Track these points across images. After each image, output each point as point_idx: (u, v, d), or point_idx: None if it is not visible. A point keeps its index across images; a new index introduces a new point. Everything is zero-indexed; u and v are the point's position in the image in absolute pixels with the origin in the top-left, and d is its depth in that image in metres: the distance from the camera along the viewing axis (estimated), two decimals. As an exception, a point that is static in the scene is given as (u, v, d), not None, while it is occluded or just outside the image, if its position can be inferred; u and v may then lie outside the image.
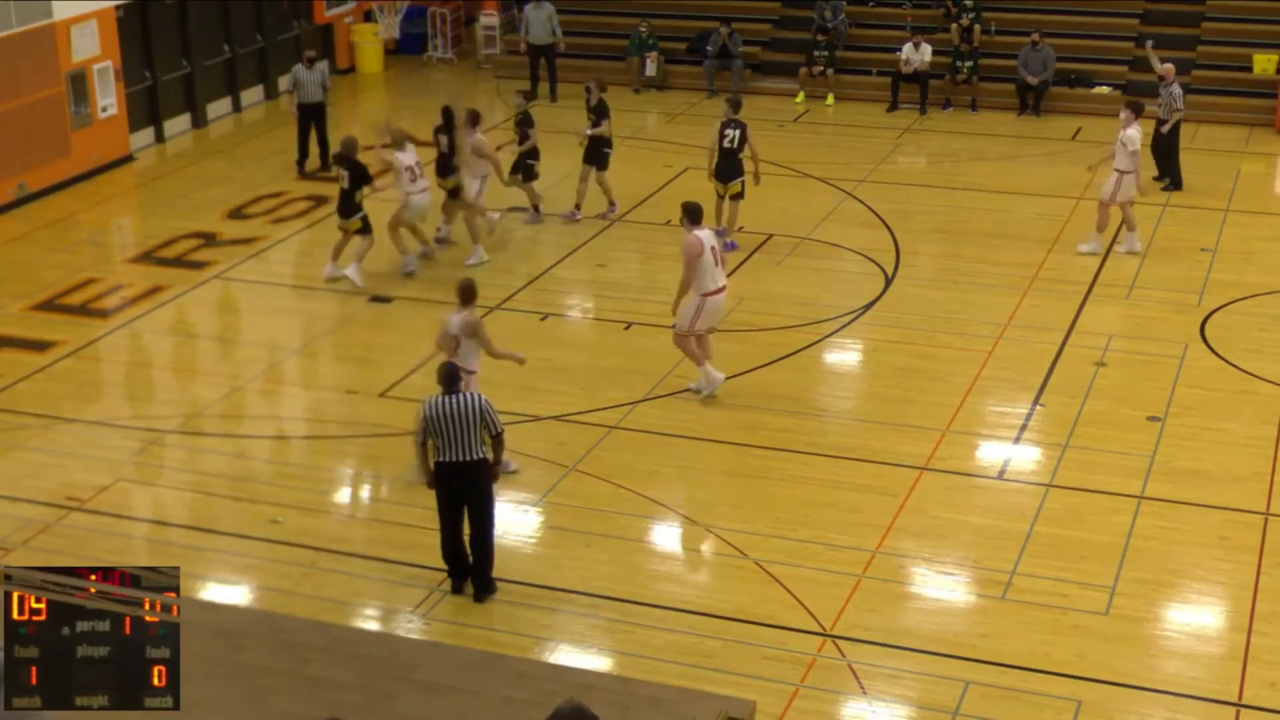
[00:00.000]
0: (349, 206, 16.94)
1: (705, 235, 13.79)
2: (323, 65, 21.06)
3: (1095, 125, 23.21)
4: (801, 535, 11.81)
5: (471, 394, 10.79)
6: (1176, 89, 19.58)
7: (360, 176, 16.85)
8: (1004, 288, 16.80)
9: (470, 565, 11.05)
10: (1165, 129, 19.69)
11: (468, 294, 12.59)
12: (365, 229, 17.01)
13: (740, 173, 17.76)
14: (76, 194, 20.60)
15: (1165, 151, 19.95)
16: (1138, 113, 17.52)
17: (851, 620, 10.70)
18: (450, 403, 10.61)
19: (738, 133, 17.64)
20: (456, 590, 11.10)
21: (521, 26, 25.48)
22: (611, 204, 19.14)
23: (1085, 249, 17.65)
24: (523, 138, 18.62)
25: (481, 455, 10.73)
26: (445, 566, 11.13)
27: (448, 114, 17.96)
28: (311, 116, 21.05)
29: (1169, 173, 19.99)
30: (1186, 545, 11.73)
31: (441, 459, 10.73)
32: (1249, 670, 10.14)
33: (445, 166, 17.82)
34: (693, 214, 13.90)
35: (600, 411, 13.85)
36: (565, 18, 27.70)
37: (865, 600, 10.96)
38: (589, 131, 18.76)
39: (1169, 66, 19.84)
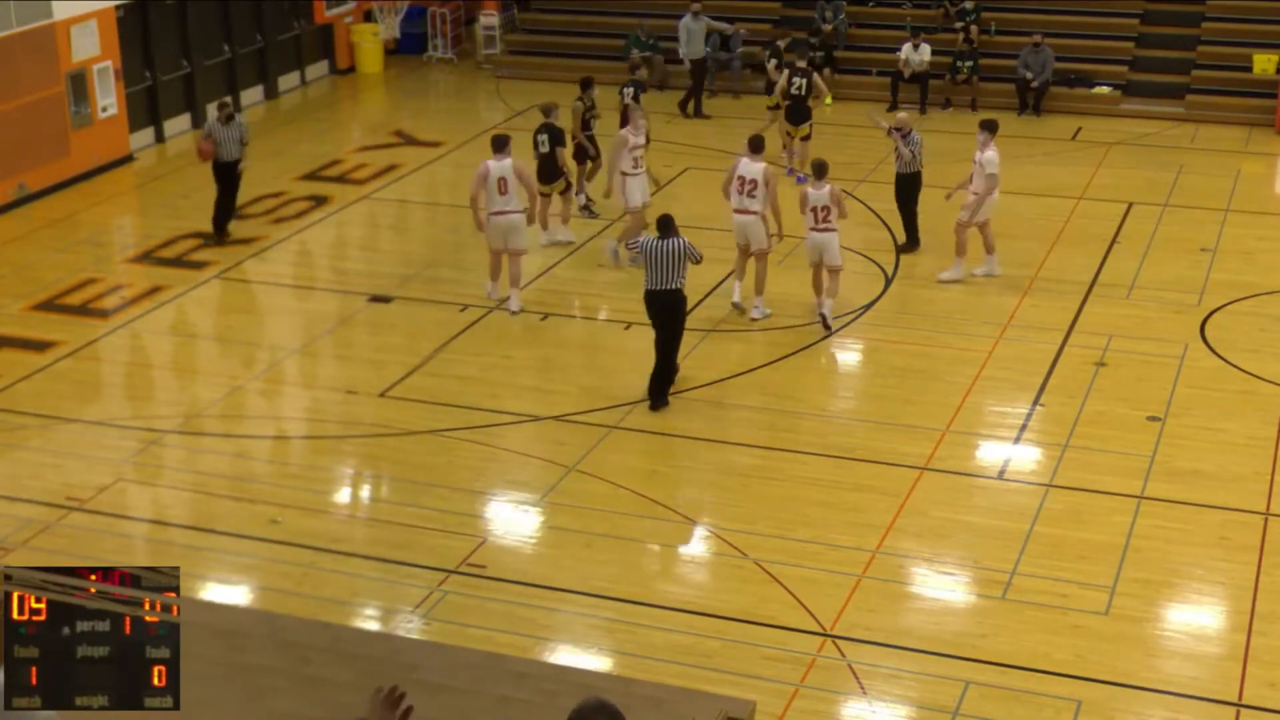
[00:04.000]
0: (552, 171, 17.60)
1: (494, 166, 15.74)
2: (240, 119, 18.54)
3: (1095, 125, 23.24)
4: (801, 535, 11.81)
5: (679, 238, 13.62)
6: (916, 136, 17.93)
7: (557, 141, 17.47)
8: (1004, 288, 16.80)
9: (656, 377, 13.84)
10: (905, 170, 17.94)
11: (757, 144, 15.72)
12: (568, 189, 17.93)
13: (808, 117, 20.33)
14: (76, 194, 20.60)
15: (904, 204, 18.02)
16: (993, 132, 16.73)
17: (851, 620, 10.70)
18: (663, 244, 13.59)
19: (805, 80, 20.18)
20: (654, 409, 13.70)
21: (680, 40, 24.52)
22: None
23: (946, 277, 16.91)
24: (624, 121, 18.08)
25: (679, 285, 13.63)
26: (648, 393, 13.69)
27: (638, 77, 20.04)
28: (224, 175, 18.36)
29: (908, 230, 18.04)
30: (1186, 545, 11.73)
31: (650, 287, 13.68)
32: (1249, 670, 10.14)
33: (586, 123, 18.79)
34: (494, 144, 15.95)
35: (600, 411, 13.85)
36: (568, 18, 27.80)
37: (865, 600, 10.96)
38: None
39: (903, 116, 18.39)
